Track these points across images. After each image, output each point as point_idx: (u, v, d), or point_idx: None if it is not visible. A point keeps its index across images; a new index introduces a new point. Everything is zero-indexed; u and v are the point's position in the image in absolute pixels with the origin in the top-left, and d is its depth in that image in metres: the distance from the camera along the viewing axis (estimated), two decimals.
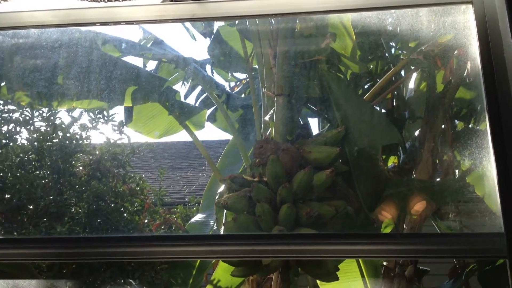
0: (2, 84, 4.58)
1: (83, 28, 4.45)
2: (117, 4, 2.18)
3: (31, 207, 4.93)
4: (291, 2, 2.20)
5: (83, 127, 5.34)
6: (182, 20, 3.44)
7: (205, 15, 2.30)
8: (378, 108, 4.24)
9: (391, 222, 3.75)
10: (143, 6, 2.26)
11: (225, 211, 3.72)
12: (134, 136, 6.10)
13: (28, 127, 5.24)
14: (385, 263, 4.01)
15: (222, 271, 4.03)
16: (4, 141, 5.14)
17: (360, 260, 3.99)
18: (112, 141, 5.46)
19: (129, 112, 4.97)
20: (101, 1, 2.17)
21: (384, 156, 4.08)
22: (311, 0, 2.20)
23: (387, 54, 4.51)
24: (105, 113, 5.38)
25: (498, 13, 1.98)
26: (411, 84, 4.37)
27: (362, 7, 2.20)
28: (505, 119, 1.85)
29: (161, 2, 2.24)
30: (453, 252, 2.02)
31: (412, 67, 4.21)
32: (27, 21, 2.35)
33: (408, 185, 3.72)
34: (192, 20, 3.66)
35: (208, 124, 5.27)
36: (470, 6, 2.08)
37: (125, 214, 5.19)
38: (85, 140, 5.34)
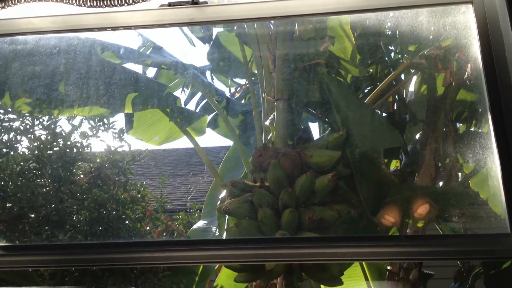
0: (4, 92, 4.57)
1: (81, 35, 4.45)
2: (115, 9, 2.17)
3: (33, 215, 4.92)
4: (289, 4, 2.19)
5: (84, 135, 5.34)
6: (180, 25, 3.43)
7: (203, 19, 2.29)
8: (379, 111, 4.23)
9: (395, 226, 3.72)
10: (141, 11, 2.25)
11: (227, 216, 3.70)
12: (134, 143, 6.09)
13: (29, 135, 5.23)
14: (389, 267, 3.98)
15: (225, 277, 4.00)
16: (4, 150, 5.14)
17: (364, 264, 3.96)
18: (112, 148, 5.46)
19: (129, 118, 4.96)
20: (99, 6, 2.16)
21: (386, 160, 4.05)
22: (309, 2, 2.19)
23: (386, 58, 4.50)
24: (105, 120, 5.38)
25: (498, 12, 1.97)
26: (412, 87, 4.36)
27: (361, 9, 2.19)
28: (508, 119, 1.83)
29: (159, 6, 2.23)
30: (458, 253, 2.00)
31: (413, 70, 4.19)
32: (25, 27, 2.34)
33: (411, 190, 3.69)
34: (190, 24, 3.67)
35: (208, 130, 5.26)
36: (470, 6, 2.07)
37: (126, 222, 5.18)
38: (85, 148, 5.33)
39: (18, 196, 4.83)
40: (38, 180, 5.09)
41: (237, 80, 5.76)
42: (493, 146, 1.87)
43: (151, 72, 5.32)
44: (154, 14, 2.26)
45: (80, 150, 5.29)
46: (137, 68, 5.17)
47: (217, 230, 4.57)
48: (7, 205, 4.87)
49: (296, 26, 3.94)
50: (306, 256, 2.08)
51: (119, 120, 5.42)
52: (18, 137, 5.24)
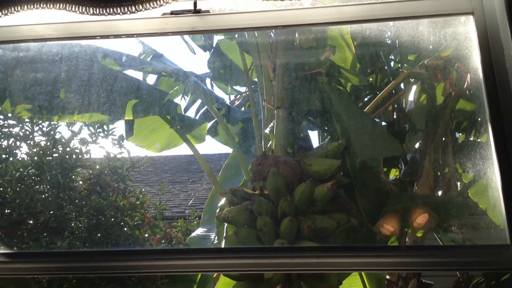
0: (5, 98, 4.57)
1: (83, 42, 4.46)
2: (117, 17, 2.17)
3: (31, 222, 4.90)
4: (291, 14, 2.20)
5: (83, 142, 5.33)
6: (182, 33, 3.44)
7: (205, 28, 2.29)
8: (378, 121, 4.24)
9: (394, 236, 3.72)
10: (144, 19, 2.25)
11: (226, 224, 3.69)
12: (134, 150, 6.08)
13: (28, 141, 5.23)
14: (388, 277, 3.96)
15: (223, 286, 3.98)
16: (4, 156, 5.13)
17: (363, 273, 3.94)
18: (112, 155, 5.46)
19: (130, 125, 4.96)
20: (102, 14, 2.16)
21: (385, 169, 4.05)
22: (310, 12, 2.20)
23: (386, 68, 4.51)
24: (105, 127, 5.38)
25: (499, 23, 1.97)
26: (411, 96, 4.38)
27: (362, 19, 2.20)
28: (509, 129, 1.83)
29: (161, 15, 2.24)
30: (458, 264, 1.99)
31: (412, 80, 4.21)
32: (27, 34, 2.34)
33: (410, 200, 3.69)
34: (192, 33, 3.68)
35: (208, 138, 5.26)
36: (471, 17, 2.08)
37: (125, 229, 5.16)
38: (85, 155, 5.33)
39: (17, 202, 4.82)
40: (37, 186, 5.08)
41: (237, 88, 5.78)
42: (493, 156, 1.87)
43: (151, 79, 5.34)
44: (156, 22, 2.26)
45: (80, 156, 5.29)
46: (137, 75, 5.19)
47: (216, 238, 4.55)
48: (6, 211, 4.86)
49: (297, 35, 3.96)
50: (305, 266, 2.07)
51: (119, 126, 5.43)
52: (18, 143, 5.24)
